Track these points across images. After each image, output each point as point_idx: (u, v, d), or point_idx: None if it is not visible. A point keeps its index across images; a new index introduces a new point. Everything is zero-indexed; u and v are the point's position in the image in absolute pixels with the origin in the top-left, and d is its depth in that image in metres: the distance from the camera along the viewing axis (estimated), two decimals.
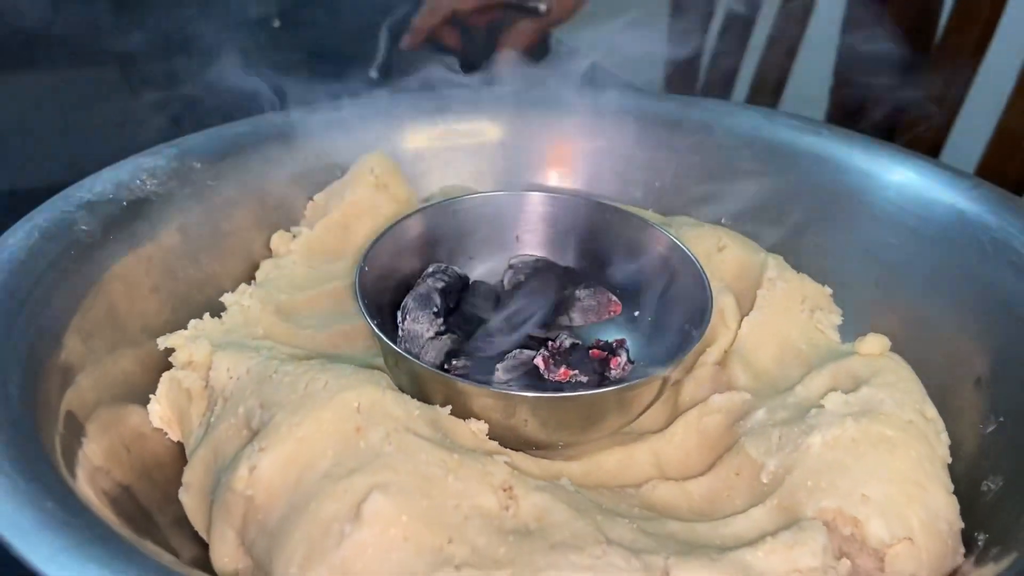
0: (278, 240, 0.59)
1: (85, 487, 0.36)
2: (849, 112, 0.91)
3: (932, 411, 0.44)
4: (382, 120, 0.65)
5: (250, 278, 0.57)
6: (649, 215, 0.61)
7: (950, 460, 0.43)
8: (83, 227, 0.50)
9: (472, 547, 0.35)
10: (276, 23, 1.23)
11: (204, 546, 0.42)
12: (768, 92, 1.09)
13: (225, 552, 0.40)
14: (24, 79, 1.07)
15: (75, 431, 0.41)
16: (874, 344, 0.47)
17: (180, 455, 0.47)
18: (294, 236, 0.59)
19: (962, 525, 0.40)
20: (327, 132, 0.63)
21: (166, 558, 0.32)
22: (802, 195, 0.59)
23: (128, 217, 0.52)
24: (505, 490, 0.38)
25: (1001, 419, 0.44)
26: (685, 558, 0.35)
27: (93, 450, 0.41)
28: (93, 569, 0.29)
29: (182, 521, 0.44)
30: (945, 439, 0.44)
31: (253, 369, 0.45)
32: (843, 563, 0.38)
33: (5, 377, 0.39)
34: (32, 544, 0.30)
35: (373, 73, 1.04)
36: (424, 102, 0.67)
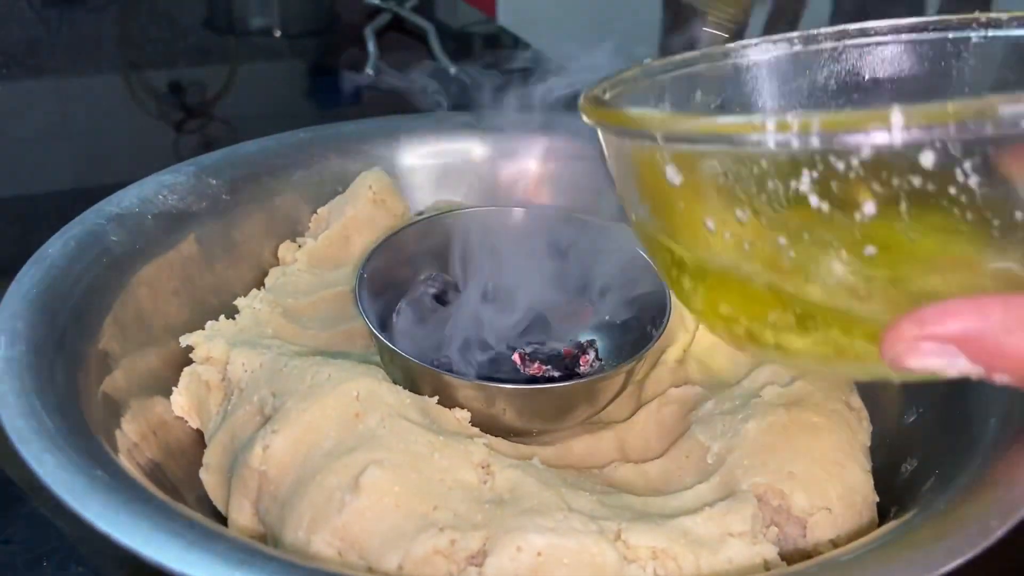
0: (284, 249, 0.65)
1: (125, 460, 0.43)
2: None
3: (857, 402, 0.50)
4: (380, 139, 0.71)
5: (260, 283, 0.63)
6: (623, 229, 0.66)
7: (869, 444, 0.49)
8: (113, 237, 0.56)
9: (454, 513, 0.41)
10: (277, 33, 1.30)
11: (223, 522, 0.47)
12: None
13: (241, 520, 0.46)
14: (29, 85, 1.12)
15: (113, 414, 0.47)
16: None
17: (199, 441, 0.53)
18: (299, 246, 0.65)
19: (877, 499, 0.46)
20: (330, 151, 0.69)
21: (197, 516, 0.38)
22: None
23: (152, 229, 0.58)
24: (483, 467, 0.44)
25: (920, 410, 0.51)
26: (635, 523, 0.41)
27: (129, 430, 0.47)
28: (138, 522, 0.35)
29: (203, 499, 0.49)
30: (867, 426, 0.50)
31: (265, 364, 0.50)
32: (771, 530, 0.44)
33: (53, 367, 0.45)
34: (86, 504, 0.36)
35: (370, 71, 1.11)
36: (418, 122, 0.73)
